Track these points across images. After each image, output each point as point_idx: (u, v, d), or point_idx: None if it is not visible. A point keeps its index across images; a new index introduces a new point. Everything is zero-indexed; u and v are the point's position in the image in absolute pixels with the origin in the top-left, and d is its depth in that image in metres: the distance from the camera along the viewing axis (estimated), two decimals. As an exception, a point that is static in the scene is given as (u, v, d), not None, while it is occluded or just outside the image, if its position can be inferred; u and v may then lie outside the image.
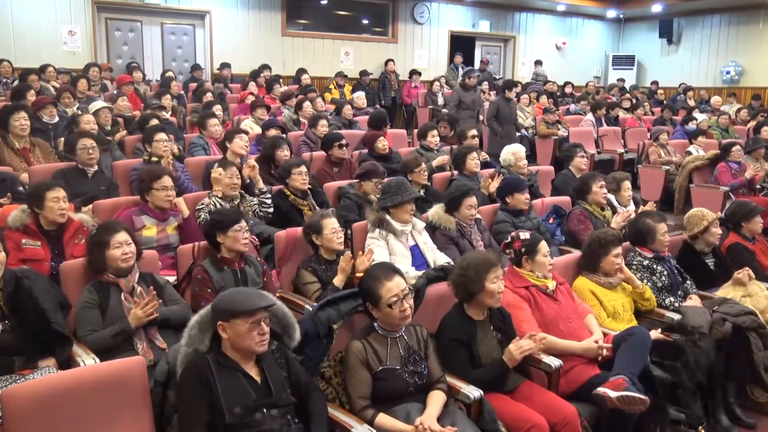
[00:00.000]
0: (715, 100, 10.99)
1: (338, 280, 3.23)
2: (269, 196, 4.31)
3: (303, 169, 4.41)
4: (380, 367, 2.47)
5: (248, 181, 4.41)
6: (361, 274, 3.18)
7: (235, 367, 2.18)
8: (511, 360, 2.66)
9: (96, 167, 4.43)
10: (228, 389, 2.12)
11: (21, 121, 4.80)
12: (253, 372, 2.22)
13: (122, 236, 2.86)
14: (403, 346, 2.55)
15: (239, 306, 2.15)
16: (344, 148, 5.35)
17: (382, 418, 2.38)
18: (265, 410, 2.15)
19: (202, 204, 4.00)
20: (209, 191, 4.11)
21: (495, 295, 2.74)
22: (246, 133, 5.16)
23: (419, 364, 2.54)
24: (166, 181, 3.74)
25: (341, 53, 11.65)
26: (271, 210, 4.26)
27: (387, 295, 2.48)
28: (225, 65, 10.09)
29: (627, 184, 4.86)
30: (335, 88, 10.38)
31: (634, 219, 4.00)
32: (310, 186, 4.48)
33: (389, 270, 2.59)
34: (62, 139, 5.23)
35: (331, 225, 3.41)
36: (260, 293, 2.29)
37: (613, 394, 2.64)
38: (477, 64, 13.38)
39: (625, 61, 14.38)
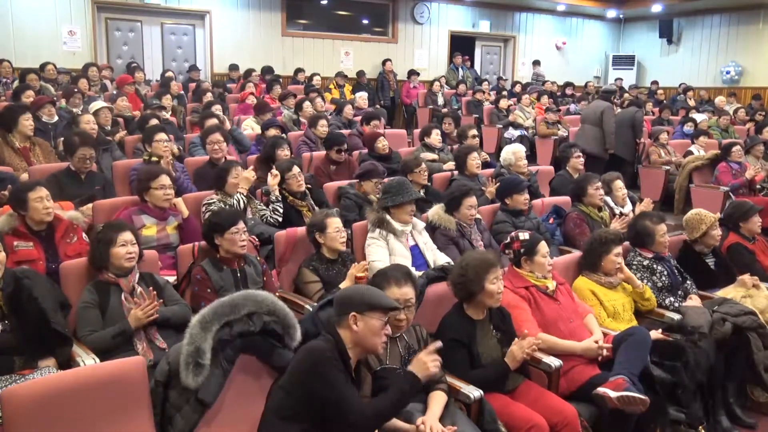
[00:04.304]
0: (720, 100, 10.95)
1: (344, 286, 3.19)
2: (281, 203, 4.26)
3: (296, 170, 4.34)
4: (380, 367, 2.47)
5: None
6: (362, 274, 3.18)
7: (347, 362, 2.16)
8: (514, 361, 2.66)
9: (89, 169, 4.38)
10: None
11: (30, 121, 4.84)
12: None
13: (128, 235, 2.88)
14: (403, 345, 2.55)
15: (380, 301, 2.13)
16: (342, 153, 5.31)
17: (383, 418, 2.37)
18: None
19: (212, 199, 4.01)
20: (214, 190, 4.12)
21: (494, 296, 2.74)
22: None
23: (419, 363, 2.54)
24: (164, 180, 3.74)
25: (341, 53, 11.64)
26: (281, 219, 4.21)
27: None
28: (234, 67, 10.13)
29: (618, 183, 4.82)
30: (335, 88, 10.38)
31: (633, 221, 3.97)
32: (308, 186, 4.47)
33: (404, 276, 2.57)
34: (62, 139, 5.22)
35: (335, 224, 3.42)
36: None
37: (613, 394, 2.64)
38: (478, 65, 13.39)
39: (625, 61, 14.37)
